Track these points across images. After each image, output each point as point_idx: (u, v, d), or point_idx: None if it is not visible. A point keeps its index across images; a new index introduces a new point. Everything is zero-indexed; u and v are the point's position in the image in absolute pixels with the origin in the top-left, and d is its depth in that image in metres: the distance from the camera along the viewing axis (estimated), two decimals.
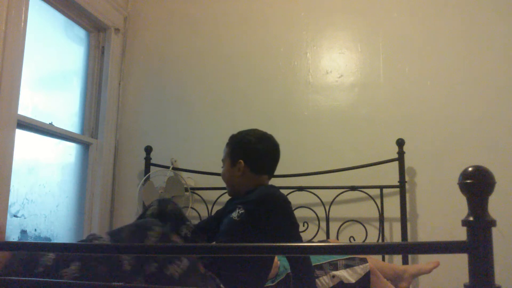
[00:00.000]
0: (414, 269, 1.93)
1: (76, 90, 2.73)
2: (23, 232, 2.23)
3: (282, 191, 2.41)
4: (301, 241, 1.55)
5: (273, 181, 2.46)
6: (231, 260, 1.43)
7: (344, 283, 1.69)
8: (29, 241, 2.25)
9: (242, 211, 1.52)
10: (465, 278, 0.70)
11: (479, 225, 0.68)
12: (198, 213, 2.57)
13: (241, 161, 1.67)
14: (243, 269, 1.44)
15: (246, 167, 1.66)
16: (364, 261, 1.72)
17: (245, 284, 1.44)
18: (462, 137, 2.32)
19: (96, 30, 2.84)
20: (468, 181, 0.69)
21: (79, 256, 1.20)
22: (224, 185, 2.51)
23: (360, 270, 1.69)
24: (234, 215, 1.52)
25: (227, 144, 1.76)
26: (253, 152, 1.67)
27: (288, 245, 0.89)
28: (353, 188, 2.37)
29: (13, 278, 1.01)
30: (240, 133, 1.74)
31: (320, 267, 1.70)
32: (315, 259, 1.74)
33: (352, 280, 1.68)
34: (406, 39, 2.50)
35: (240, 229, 1.50)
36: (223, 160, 1.77)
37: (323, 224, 2.39)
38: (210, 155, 2.66)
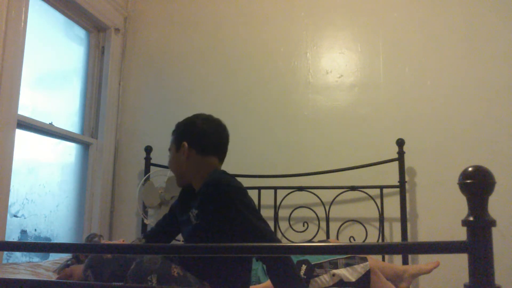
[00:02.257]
0: (414, 269, 1.93)
1: (76, 90, 2.73)
2: (23, 232, 2.23)
3: (283, 191, 2.46)
4: (267, 229, 1.35)
5: (274, 181, 2.47)
6: (215, 261, 1.37)
7: (344, 281, 1.69)
8: (29, 241, 2.25)
9: (196, 211, 1.41)
10: (465, 278, 0.70)
11: (479, 225, 0.68)
12: None
13: (184, 143, 1.54)
14: (227, 268, 1.41)
15: (190, 149, 1.52)
16: (364, 259, 1.72)
17: (231, 283, 1.40)
18: (462, 137, 2.32)
19: (96, 30, 2.84)
20: (468, 181, 0.69)
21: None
22: None
23: (360, 268, 1.69)
24: (192, 219, 1.42)
25: (172, 132, 1.64)
26: (196, 132, 1.54)
27: (288, 245, 0.89)
28: (353, 188, 2.37)
29: (13, 278, 1.02)
30: (185, 119, 1.62)
31: (320, 265, 1.70)
32: (315, 258, 1.74)
33: (352, 278, 1.68)
34: (406, 39, 2.50)
35: (202, 231, 1.40)
36: (169, 150, 1.65)
37: (323, 224, 2.39)
38: None
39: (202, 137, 1.54)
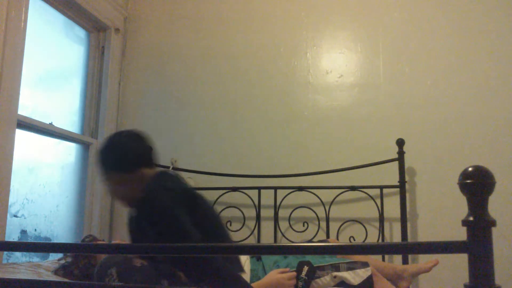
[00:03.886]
0: (414, 268, 1.93)
1: (76, 90, 2.73)
2: (23, 232, 2.23)
3: (283, 191, 2.46)
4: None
5: (274, 181, 2.47)
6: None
7: (345, 283, 1.68)
8: (29, 241, 2.25)
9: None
10: (465, 278, 0.70)
11: (479, 225, 0.68)
12: None
13: (112, 173, 1.58)
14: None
15: (119, 174, 1.56)
16: (366, 265, 1.71)
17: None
18: (462, 137, 2.32)
19: (96, 30, 2.84)
20: (468, 181, 0.69)
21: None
22: (224, 185, 2.53)
23: (362, 273, 1.69)
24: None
25: (97, 163, 1.65)
26: (115, 158, 1.57)
27: (288, 245, 0.89)
28: (353, 188, 2.37)
29: (13, 278, 1.02)
30: (101, 147, 1.64)
31: (322, 268, 1.70)
32: (318, 261, 1.73)
33: (354, 282, 1.67)
34: (406, 39, 2.49)
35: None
36: (104, 183, 1.67)
37: (323, 224, 2.39)
38: (210, 155, 2.66)
39: (122, 160, 1.56)
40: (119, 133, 1.66)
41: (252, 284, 1.68)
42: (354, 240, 2.36)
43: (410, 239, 2.30)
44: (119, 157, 1.57)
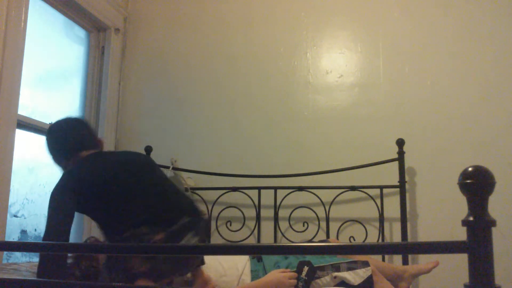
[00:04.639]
0: (414, 269, 1.93)
1: (76, 90, 2.73)
2: (23, 232, 2.23)
3: (283, 191, 2.46)
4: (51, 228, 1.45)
5: (274, 181, 2.47)
6: None
7: (345, 283, 1.68)
8: (29, 241, 2.25)
9: None
10: (465, 278, 0.70)
11: (479, 225, 0.68)
12: None
13: (56, 161, 1.70)
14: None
15: (62, 162, 1.68)
16: (366, 264, 1.71)
17: None
18: (462, 137, 2.32)
19: (96, 30, 2.84)
20: (468, 181, 0.69)
21: None
22: (224, 185, 2.53)
23: (362, 273, 1.69)
24: None
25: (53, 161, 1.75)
26: (60, 150, 1.68)
27: (288, 245, 0.89)
28: (353, 188, 2.37)
29: (13, 278, 1.02)
30: (46, 144, 1.73)
31: (322, 268, 1.70)
32: (318, 261, 1.73)
33: (355, 282, 1.67)
34: (406, 39, 2.49)
35: None
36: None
37: (323, 224, 2.39)
38: (210, 155, 2.66)
39: (59, 151, 1.68)
40: (54, 124, 1.75)
41: (253, 282, 1.69)
42: (354, 240, 2.36)
43: (410, 239, 2.30)
44: (56, 148, 1.69)
